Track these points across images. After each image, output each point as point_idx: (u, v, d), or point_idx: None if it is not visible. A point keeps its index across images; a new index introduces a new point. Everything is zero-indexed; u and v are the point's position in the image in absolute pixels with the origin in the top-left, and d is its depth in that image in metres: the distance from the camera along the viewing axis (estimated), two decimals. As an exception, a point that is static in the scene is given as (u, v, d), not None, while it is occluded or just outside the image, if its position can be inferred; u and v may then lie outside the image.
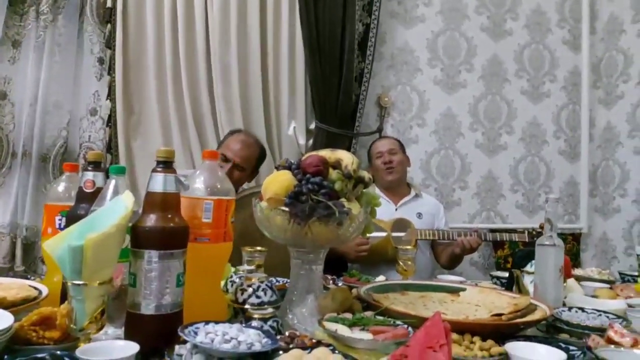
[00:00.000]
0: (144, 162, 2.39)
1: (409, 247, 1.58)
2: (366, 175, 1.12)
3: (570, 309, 1.22)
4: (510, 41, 2.91)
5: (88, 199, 1.03)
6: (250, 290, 1.03)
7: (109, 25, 2.36)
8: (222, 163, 2.00)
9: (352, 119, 2.59)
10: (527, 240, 2.12)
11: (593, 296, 1.45)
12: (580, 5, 2.96)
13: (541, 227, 2.18)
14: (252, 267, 1.24)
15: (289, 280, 1.35)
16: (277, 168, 1.14)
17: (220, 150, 2.05)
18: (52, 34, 2.27)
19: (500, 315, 1.07)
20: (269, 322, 0.96)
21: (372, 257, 2.04)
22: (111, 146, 2.37)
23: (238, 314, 1.03)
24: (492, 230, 2.66)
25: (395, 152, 2.36)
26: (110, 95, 2.37)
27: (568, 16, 2.97)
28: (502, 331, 1.02)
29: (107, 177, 1.07)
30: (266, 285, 1.05)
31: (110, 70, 2.37)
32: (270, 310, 0.99)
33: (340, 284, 1.46)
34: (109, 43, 2.36)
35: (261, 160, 2.13)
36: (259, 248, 1.32)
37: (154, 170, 0.92)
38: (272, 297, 1.04)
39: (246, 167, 2.02)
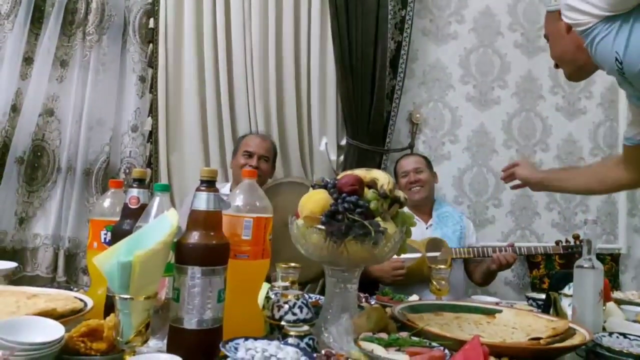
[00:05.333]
0: (179, 176, 2.47)
1: (442, 266, 1.57)
2: (402, 195, 1.13)
3: (611, 334, 1.19)
4: (544, 57, 2.86)
5: (133, 214, 1.07)
6: (286, 307, 1.05)
7: (151, 45, 2.45)
8: (247, 160, 2.14)
9: (383, 135, 2.60)
10: (561, 252, 2.10)
11: (634, 321, 1.41)
12: (617, 20, 2.90)
13: (574, 237, 2.14)
14: (287, 284, 1.26)
15: (321, 297, 1.37)
16: (313, 187, 1.16)
17: (241, 150, 2.20)
18: (97, 54, 2.36)
19: (538, 339, 1.05)
20: (305, 340, 0.97)
21: (408, 278, 2.01)
22: (151, 161, 2.45)
23: (274, 330, 1.05)
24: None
25: (422, 170, 2.34)
26: (152, 112, 2.45)
27: (605, 32, 2.91)
28: (540, 356, 1.00)
29: (150, 193, 1.12)
30: (302, 302, 1.07)
31: (152, 88, 2.45)
32: (306, 327, 1.01)
33: (373, 303, 1.46)
34: (151, 62, 2.45)
35: (276, 153, 2.31)
36: (293, 264, 1.34)
37: (198, 189, 0.95)
38: (308, 314, 1.06)
39: (270, 157, 2.22)
